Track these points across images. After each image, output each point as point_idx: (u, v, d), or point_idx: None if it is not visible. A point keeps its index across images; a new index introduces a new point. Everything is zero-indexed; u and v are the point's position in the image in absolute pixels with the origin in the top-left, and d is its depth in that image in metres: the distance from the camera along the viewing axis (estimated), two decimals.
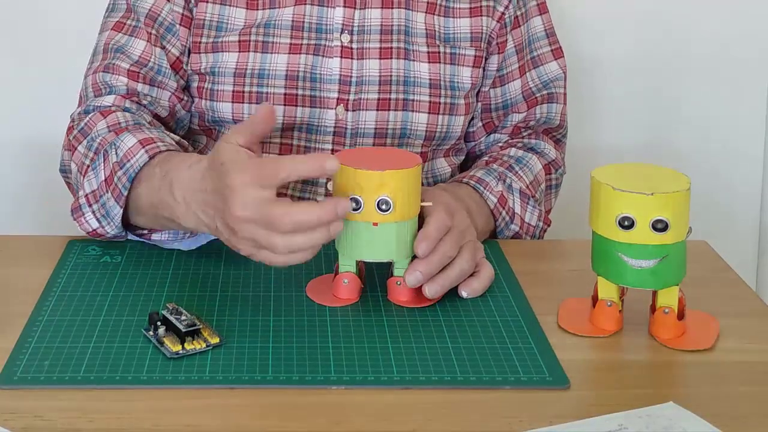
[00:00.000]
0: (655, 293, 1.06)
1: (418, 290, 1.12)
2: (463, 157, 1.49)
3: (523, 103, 1.45)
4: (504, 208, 1.34)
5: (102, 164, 1.23)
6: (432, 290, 1.11)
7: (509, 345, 1.04)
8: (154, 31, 1.36)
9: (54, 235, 1.34)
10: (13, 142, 1.84)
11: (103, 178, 1.22)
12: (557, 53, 1.47)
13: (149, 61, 1.35)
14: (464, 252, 1.13)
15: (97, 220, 1.23)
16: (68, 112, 1.44)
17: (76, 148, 1.29)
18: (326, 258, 1.20)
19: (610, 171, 1.06)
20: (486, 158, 1.42)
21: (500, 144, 1.46)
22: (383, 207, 1.07)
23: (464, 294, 1.13)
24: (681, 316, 1.06)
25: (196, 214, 1.11)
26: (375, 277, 1.16)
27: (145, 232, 1.25)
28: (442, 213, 1.13)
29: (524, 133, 1.46)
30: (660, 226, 1.01)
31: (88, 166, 1.25)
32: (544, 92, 1.45)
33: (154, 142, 1.21)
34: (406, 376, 0.98)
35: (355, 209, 1.08)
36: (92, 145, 1.26)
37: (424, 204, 1.12)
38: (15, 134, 1.84)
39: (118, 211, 1.21)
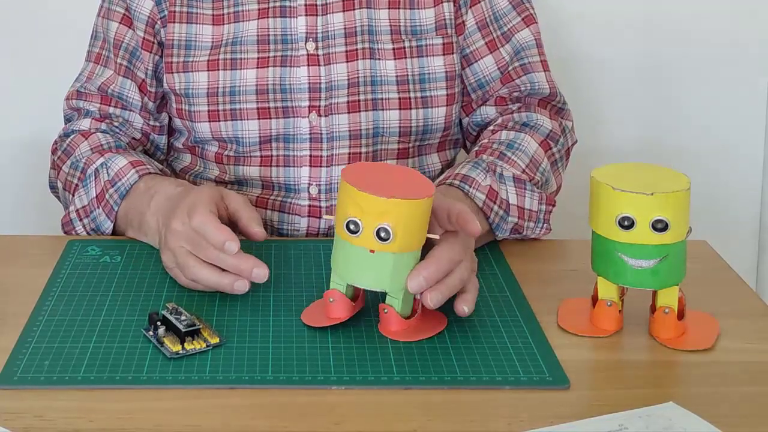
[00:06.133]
0: (655, 293, 1.06)
1: (407, 323, 1.05)
2: (459, 149, 1.49)
3: (499, 78, 1.42)
4: (495, 202, 1.26)
5: (93, 182, 1.32)
6: (435, 299, 1.03)
7: (509, 345, 1.04)
8: (119, 59, 1.41)
9: (54, 235, 1.34)
10: (13, 142, 1.84)
11: (94, 195, 1.32)
12: (528, 20, 1.43)
13: (116, 88, 1.41)
14: (464, 261, 1.07)
15: (87, 232, 1.32)
16: None
17: (60, 168, 1.39)
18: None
19: (610, 171, 1.06)
20: (477, 148, 1.36)
21: (491, 127, 1.40)
22: (382, 235, 1.00)
23: (465, 309, 1.06)
24: (681, 316, 1.06)
25: (157, 220, 1.22)
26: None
27: None
28: (457, 246, 1.06)
29: (513, 107, 1.42)
30: (660, 226, 1.01)
31: (77, 185, 1.35)
32: (516, 65, 1.42)
33: (144, 164, 1.32)
34: (406, 376, 0.98)
35: (353, 232, 1.01)
36: (78, 165, 1.35)
37: (430, 236, 1.04)
38: (15, 134, 1.84)
39: (108, 225, 1.31)
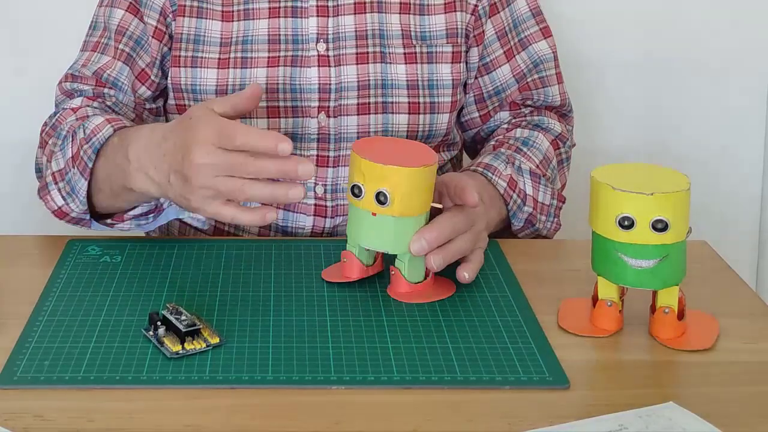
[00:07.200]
0: (655, 293, 1.06)
1: (414, 287, 1.13)
2: (457, 151, 1.50)
3: (516, 86, 1.45)
4: (515, 191, 1.34)
5: (69, 143, 1.28)
6: (436, 261, 1.11)
7: (509, 345, 1.04)
8: (121, 46, 1.39)
9: (54, 235, 1.34)
10: (14, 142, 1.84)
11: (70, 155, 1.27)
12: (546, 32, 1.46)
13: (112, 73, 1.38)
14: (467, 233, 1.15)
15: (63, 197, 1.28)
16: None
17: (47, 143, 1.35)
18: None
19: (610, 171, 1.06)
20: (493, 143, 1.42)
21: (505, 125, 1.46)
22: (381, 199, 1.09)
23: (466, 275, 1.14)
24: (681, 316, 1.06)
25: (147, 172, 1.17)
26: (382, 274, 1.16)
27: (108, 221, 1.29)
28: (459, 216, 1.14)
29: (525, 111, 1.47)
30: (660, 226, 1.01)
31: (55, 152, 1.30)
32: (535, 77, 1.45)
33: (120, 120, 1.27)
34: (406, 376, 0.98)
35: (356, 195, 1.10)
36: (60, 134, 1.31)
37: (434, 205, 1.13)
38: (15, 134, 1.84)
39: (82, 185, 1.25)
